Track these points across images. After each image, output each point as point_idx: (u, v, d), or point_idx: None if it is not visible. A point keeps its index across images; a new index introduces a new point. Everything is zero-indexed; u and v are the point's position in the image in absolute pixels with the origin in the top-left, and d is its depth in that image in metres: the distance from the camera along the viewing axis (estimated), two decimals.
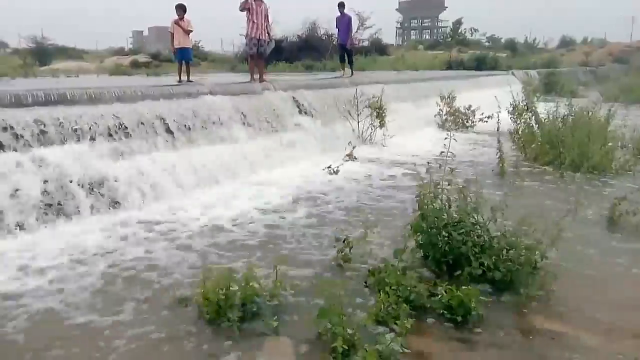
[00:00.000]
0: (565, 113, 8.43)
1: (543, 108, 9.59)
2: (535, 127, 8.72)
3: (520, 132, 8.78)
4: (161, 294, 3.68)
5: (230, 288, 3.25)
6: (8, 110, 5.47)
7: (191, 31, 9.66)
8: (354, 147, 8.69)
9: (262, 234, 5.00)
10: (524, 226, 3.85)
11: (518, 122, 8.96)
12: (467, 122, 12.51)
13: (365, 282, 3.74)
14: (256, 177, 7.15)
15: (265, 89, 9.22)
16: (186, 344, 3.03)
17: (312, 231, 5.08)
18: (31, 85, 7.90)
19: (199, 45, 29.76)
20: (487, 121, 10.73)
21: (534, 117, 8.86)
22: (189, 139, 6.95)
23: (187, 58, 9.97)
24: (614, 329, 3.22)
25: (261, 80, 10.00)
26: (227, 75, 18.31)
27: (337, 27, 13.45)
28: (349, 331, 2.83)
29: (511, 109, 9.10)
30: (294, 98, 9.48)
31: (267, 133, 8.30)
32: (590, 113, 8.41)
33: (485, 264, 3.66)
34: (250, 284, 3.31)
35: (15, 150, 5.19)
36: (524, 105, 9.03)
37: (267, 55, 10.52)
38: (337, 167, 7.65)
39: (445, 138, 4.49)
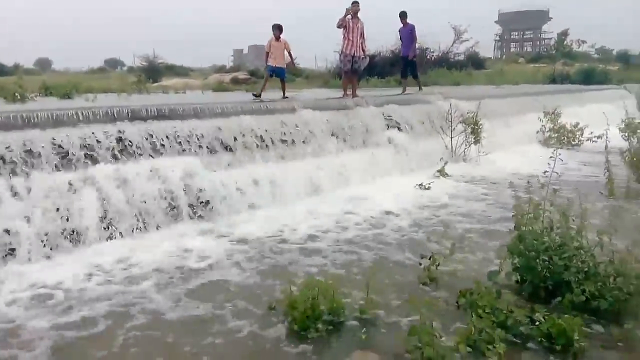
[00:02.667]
0: None
1: None
2: None
3: (632, 151, 8.04)
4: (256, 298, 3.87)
5: (318, 298, 3.33)
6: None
7: (288, 51, 10.05)
8: (445, 163, 8.57)
9: (355, 246, 5.08)
10: (635, 252, 3.55)
11: (631, 139, 8.22)
12: (573, 140, 11.73)
13: (457, 303, 3.64)
14: (348, 190, 7.24)
15: (357, 105, 9.34)
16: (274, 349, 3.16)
17: (401, 248, 5.06)
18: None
19: (297, 63, 30.80)
20: (596, 141, 9.98)
21: None
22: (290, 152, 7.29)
23: (281, 76, 10.39)
24: None
25: (354, 95, 10.15)
26: (319, 90, 18.75)
27: (400, 38, 12.42)
28: (440, 352, 2.78)
29: (622, 125, 8.37)
30: (384, 114, 9.50)
31: (359, 148, 8.38)
32: None
33: (588, 291, 3.41)
34: (337, 297, 3.38)
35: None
36: (638, 122, 8.26)
37: (361, 72, 10.67)
38: (429, 184, 7.58)
39: (550, 157, 4.27)
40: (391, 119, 9.47)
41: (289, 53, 10.10)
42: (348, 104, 9.27)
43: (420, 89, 13.11)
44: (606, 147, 7.00)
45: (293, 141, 7.42)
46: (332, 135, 8.12)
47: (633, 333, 3.25)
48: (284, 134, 7.38)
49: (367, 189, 7.33)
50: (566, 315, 3.13)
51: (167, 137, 6.12)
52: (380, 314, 3.53)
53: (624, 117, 8.53)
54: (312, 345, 3.16)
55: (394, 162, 8.45)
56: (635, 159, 7.94)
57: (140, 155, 5.78)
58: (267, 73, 10.48)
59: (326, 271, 4.37)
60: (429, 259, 4.20)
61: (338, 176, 7.42)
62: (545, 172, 4.10)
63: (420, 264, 4.28)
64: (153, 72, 28.91)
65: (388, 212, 6.29)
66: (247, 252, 4.90)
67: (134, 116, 6.22)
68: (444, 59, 28.76)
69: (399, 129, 9.37)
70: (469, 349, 2.97)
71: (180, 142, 6.21)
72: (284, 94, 10.35)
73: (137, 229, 5.23)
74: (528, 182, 4.10)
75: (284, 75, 10.59)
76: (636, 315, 3.39)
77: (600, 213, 5.53)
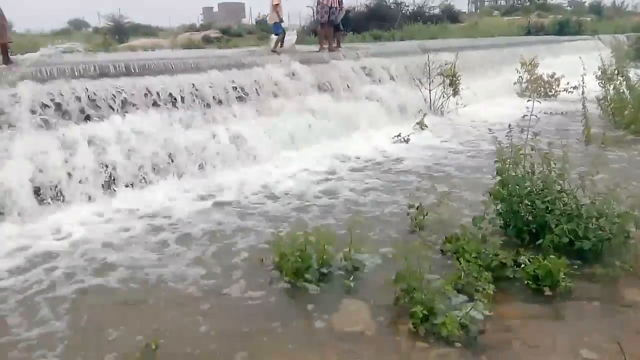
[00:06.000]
0: None
1: (634, 74, 8.78)
2: (627, 93, 8.02)
3: (609, 99, 8.11)
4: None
5: (306, 249, 3.28)
6: None
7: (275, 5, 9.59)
8: (424, 115, 8.50)
9: (339, 198, 5.04)
10: (616, 193, 3.57)
11: (607, 88, 8.26)
12: (549, 91, 11.75)
13: (442, 250, 3.64)
14: (330, 143, 7.13)
15: (334, 58, 9.11)
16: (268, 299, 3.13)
17: (385, 197, 5.04)
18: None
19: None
20: (572, 91, 10.02)
21: (625, 82, 8.14)
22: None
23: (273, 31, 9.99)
24: None
25: (330, 49, 9.89)
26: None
27: None
28: (428, 296, 2.77)
29: (599, 73, 8.38)
30: (363, 67, 9.31)
31: (338, 101, 8.22)
32: None
33: (572, 233, 3.44)
34: (325, 246, 3.34)
35: None
36: (614, 70, 8.29)
37: (338, 23, 10.34)
38: (408, 135, 7.52)
39: (527, 106, 4.24)
40: (371, 72, 9.31)
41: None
42: (325, 58, 9.04)
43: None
44: (583, 92, 7.01)
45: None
46: (315, 87, 7.98)
47: (616, 272, 3.30)
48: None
49: (347, 142, 7.22)
50: (552, 256, 3.15)
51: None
52: (368, 263, 3.50)
53: (600, 66, 8.52)
54: (301, 296, 3.13)
55: (373, 115, 8.31)
56: (612, 107, 8.02)
57: None
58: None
59: (312, 223, 4.31)
60: (417, 208, 4.19)
61: (321, 129, 7.26)
62: (524, 116, 4.07)
63: (408, 214, 4.25)
64: (120, 33, 27.76)
65: (366, 163, 6.27)
66: (225, 209, 4.82)
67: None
68: (419, 13, 28.41)
69: (378, 81, 9.22)
70: (457, 292, 2.98)
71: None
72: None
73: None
74: (509, 125, 4.05)
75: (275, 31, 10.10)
76: (619, 254, 3.45)
77: (579, 159, 5.56)
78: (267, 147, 6.41)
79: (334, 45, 10.15)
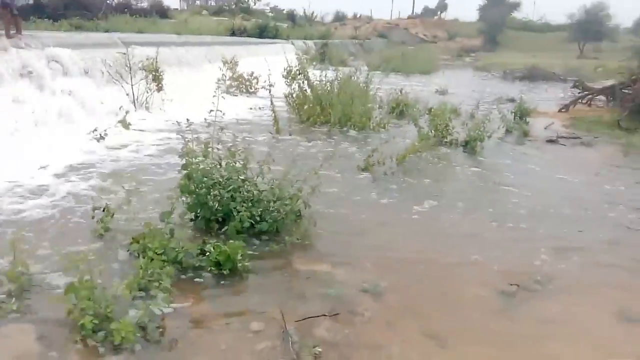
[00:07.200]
0: (333, 78, 9.18)
1: (318, 75, 10.23)
2: (308, 90, 9.28)
3: (294, 96, 9.25)
4: None
5: None
6: None
7: None
8: (127, 113, 8.07)
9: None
10: (290, 178, 4.06)
11: (292, 86, 9.40)
12: (250, 87, 12.70)
13: (129, 250, 3.48)
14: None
15: (16, 46, 7.77)
16: None
17: (69, 204, 4.52)
18: None
19: None
20: (269, 89, 11.06)
21: (306, 81, 9.40)
22: None
23: None
24: (361, 262, 3.63)
25: (8, 35, 8.41)
26: None
27: None
28: (101, 304, 2.58)
29: (285, 73, 9.48)
30: (50, 57, 8.23)
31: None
32: (353, 78, 9.30)
33: (252, 216, 3.75)
34: None
35: None
36: (297, 70, 9.49)
37: (15, 5, 8.83)
38: (105, 133, 7.00)
39: (214, 95, 4.46)
40: (61, 64, 8.28)
41: None
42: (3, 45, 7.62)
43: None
44: (270, 91, 7.80)
45: None
46: None
47: (287, 246, 3.73)
48: None
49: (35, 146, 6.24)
50: (231, 242, 3.35)
51: None
52: (40, 277, 3.07)
53: (285, 67, 9.63)
54: None
55: (64, 112, 7.45)
56: (296, 102, 9.17)
57: None
58: None
59: None
60: (103, 210, 3.89)
61: None
62: (211, 111, 4.25)
63: (93, 217, 3.90)
64: None
65: (59, 171, 5.54)
66: None
67: None
68: (126, 6, 27.16)
69: (70, 74, 8.29)
70: (141, 292, 2.88)
71: None
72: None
73: None
74: (206, 120, 4.17)
75: None
76: (290, 231, 3.92)
77: (268, 149, 6.15)
78: None
79: (13, 32, 8.66)
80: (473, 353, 2.67)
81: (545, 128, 9.47)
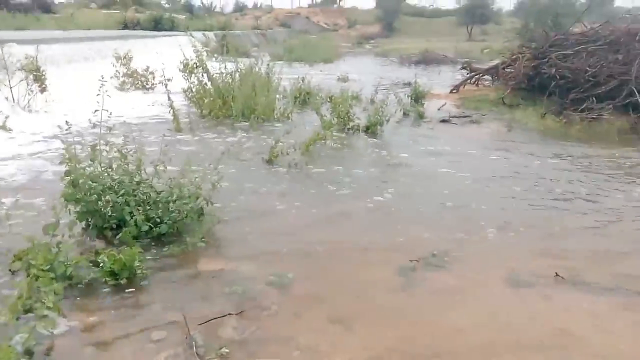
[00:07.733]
0: (234, 70, 8.99)
1: (219, 67, 9.95)
2: (208, 83, 9.02)
3: (194, 90, 8.96)
4: None
5: None
6: None
7: None
8: (7, 117, 7.39)
9: None
10: (189, 175, 3.93)
11: (190, 80, 9.08)
12: (147, 83, 12.11)
13: (10, 269, 3.17)
14: None
15: None
16: None
17: None
18: None
19: None
20: (165, 84, 10.60)
21: (205, 74, 9.12)
22: None
23: None
24: (267, 256, 3.61)
25: None
26: None
27: None
28: None
29: (182, 66, 9.12)
30: None
31: None
32: (254, 69, 9.17)
33: (149, 220, 3.58)
34: None
35: None
36: (194, 64, 9.16)
37: None
38: None
39: (98, 94, 4.17)
40: None
41: None
42: None
43: None
44: (166, 86, 7.47)
45: None
46: None
47: (189, 247, 3.60)
48: None
49: None
50: (126, 249, 3.17)
51: None
52: None
53: (182, 60, 9.26)
54: None
55: None
56: (196, 96, 8.88)
57: None
58: None
59: None
60: None
61: None
62: (96, 111, 3.97)
63: None
64: None
65: None
66: None
67: None
68: (3, 1, 24.78)
69: None
70: (29, 314, 2.64)
71: None
72: None
73: None
74: (90, 121, 3.87)
75: None
76: (193, 231, 3.79)
77: (166, 147, 5.89)
78: None
79: None
80: (378, 332, 2.75)
81: (438, 109, 9.99)
